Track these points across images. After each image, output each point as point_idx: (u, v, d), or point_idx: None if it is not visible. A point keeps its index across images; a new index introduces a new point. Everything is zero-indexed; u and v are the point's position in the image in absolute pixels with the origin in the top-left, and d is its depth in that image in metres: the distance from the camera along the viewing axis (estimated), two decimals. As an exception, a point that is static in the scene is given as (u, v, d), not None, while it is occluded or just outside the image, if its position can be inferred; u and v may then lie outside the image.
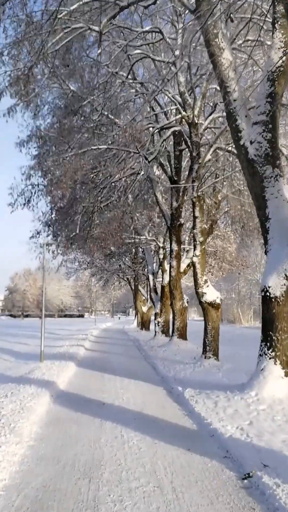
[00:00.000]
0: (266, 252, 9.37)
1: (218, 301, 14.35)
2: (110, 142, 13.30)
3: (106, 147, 13.15)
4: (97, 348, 21.51)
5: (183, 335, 20.00)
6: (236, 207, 18.48)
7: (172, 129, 14.53)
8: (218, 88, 15.49)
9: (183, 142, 15.80)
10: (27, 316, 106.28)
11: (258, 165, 9.44)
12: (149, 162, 13.18)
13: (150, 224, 24.76)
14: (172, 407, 8.03)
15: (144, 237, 24.72)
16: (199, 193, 14.45)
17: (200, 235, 14.44)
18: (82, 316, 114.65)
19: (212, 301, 14.27)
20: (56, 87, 18.62)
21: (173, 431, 6.45)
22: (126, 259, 37.77)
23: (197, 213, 14.46)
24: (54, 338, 28.75)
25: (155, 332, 25.08)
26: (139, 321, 42.57)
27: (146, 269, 35.44)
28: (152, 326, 36.10)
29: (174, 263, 19.88)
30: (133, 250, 33.61)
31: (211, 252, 28.27)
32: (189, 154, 21.08)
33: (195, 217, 14.50)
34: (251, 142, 9.58)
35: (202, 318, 18.86)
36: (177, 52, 14.42)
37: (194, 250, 14.57)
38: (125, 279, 47.42)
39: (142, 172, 13.07)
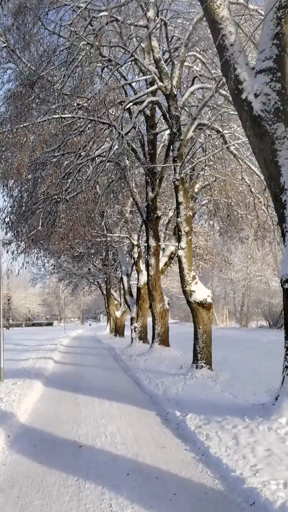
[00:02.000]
0: (283, 234, 7.30)
1: (209, 300, 12.25)
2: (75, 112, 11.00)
3: (71, 115, 10.83)
4: (68, 360, 19.07)
5: (165, 341, 17.83)
6: (221, 194, 16.49)
7: (148, 100, 12.35)
8: (197, 55, 13.61)
9: (162, 117, 13.64)
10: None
11: (266, 122, 7.39)
12: (122, 137, 10.97)
13: (122, 220, 22.52)
14: (176, 447, 5.79)
15: (116, 234, 22.44)
16: (182, 175, 12.35)
17: (185, 224, 12.33)
18: (51, 324, 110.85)
19: (203, 301, 12.17)
20: (10, 68, 16.24)
21: (190, 497, 4.23)
22: (96, 261, 35.40)
23: (180, 198, 12.34)
24: (19, 350, 26.04)
25: (132, 338, 22.83)
26: (112, 327, 40.16)
27: (119, 271, 33.20)
28: (127, 332, 33.82)
29: (152, 260, 17.72)
30: (104, 251, 31.29)
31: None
32: (165, 137, 19.19)
33: (178, 203, 12.38)
34: (256, 95, 7.52)
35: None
36: (150, 13, 12.34)
37: (179, 242, 12.43)
38: (96, 283, 45.00)
39: (116, 147, 10.84)
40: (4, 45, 15.69)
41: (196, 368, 12.12)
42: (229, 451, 5.09)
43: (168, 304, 18.41)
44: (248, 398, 8.64)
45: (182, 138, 12.47)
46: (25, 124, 10.16)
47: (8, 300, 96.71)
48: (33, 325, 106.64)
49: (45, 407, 8.84)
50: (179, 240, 12.45)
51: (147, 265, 17.99)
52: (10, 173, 11.92)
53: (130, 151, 17.73)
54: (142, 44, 13.29)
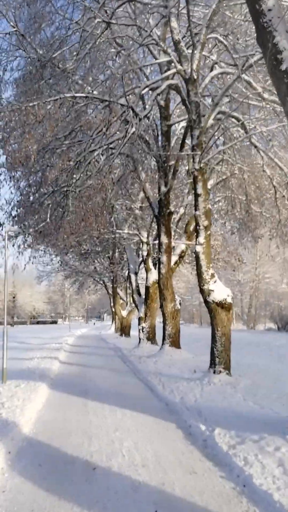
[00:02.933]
0: None
1: (229, 300, 11.35)
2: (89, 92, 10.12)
3: (84, 95, 9.96)
4: (74, 360, 18.22)
5: (175, 343, 16.95)
6: (238, 190, 15.59)
7: (166, 83, 11.44)
8: (219, 38, 12.69)
9: (176, 107, 12.73)
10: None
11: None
12: (140, 120, 10.10)
13: (131, 217, 21.66)
14: (209, 473, 4.84)
15: (125, 231, 21.57)
16: (201, 165, 11.46)
17: (204, 217, 11.43)
18: (55, 322, 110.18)
19: (222, 301, 11.28)
20: (20, 55, 15.38)
21: None
22: (103, 259, 34.58)
23: (199, 190, 11.45)
24: (24, 348, 25.24)
25: (139, 339, 21.95)
26: (117, 327, 39.31)
27: (125, 270, 32.35)
28: (133, 332, 32.98)
29: (164, 258, 16.84)
30: (111, 248, 30.45)
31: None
32: (179, 129, 18.31)
33: (197, 195, 11.48)
34: (298, 67, 6.63)
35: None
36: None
37: (197, 237, 11.53)
38: (101, 282, 44.21)
39: (133, 129, 9.95)
40: (14, 29, 14.89)
41: (214, 373, 11.25)
42: (278, 483, 4.18)
43: (180, 304, 17.53)
44: (277, 409, 7.76)
45: (202, 125, 11.58)
46: (34, 103, 9.29)
47: (14, 297, 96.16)
48: (38, 323, 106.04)
49: (51, 415, 7.98)
50: (197, 235, 11.55)
51: (159, 262, 17.11)
52: (17, 158, 11.02)
53: (143, 143, 16.89)
54: (156, 27, 12.37)
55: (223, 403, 8.67)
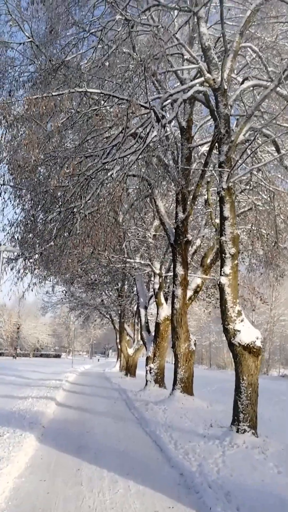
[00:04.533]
0: None
1: (258, 343, 9.52)
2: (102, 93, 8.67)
3: (99, 91, 8.55)
4: (73, 403, 16.24)
5: (188, 389, 14.98)
6: (267, 218, 13.99)
7: (194, 89, 10.02)
8: (254, 48, 11.41)
9: (210, 113, 11.27)
10: (0, 354, 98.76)
11: None
12: (163, 127, 8.65)
13: (144, 245, 20.08)
14: None
15: (137, 260, 19.94)
16: (229, 184, 9.91)
17: (231, 244, 9.77)
18: (59, 356, 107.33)
19: (250, 344, 9.46)
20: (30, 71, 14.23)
21: None
22: (111, 291, 32.86)
23: (226, 212, 9.85)
24: (20, 384, 23.27)
25: (146, 381, 19.95)
26: (122, 365, 37.11)
27: (135, 303, 30.53)
28: (139, 372, 30.84)
29: (179, 291, 15.12)
30: (120, 280, 28.80)
31: (212, 284, 23.63)
32: (202, 151, 16.92)
33: (223, 218, 9.87)
34: None
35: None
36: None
37: (222, 267, 9.84)
38: (108, 316, 42.31)
39: (154, 133, 8.48)
40: (29, 40, 13.84)
41: (237, 432, 9.32)
42: None
43: (195, 344, 15.65)
44: None
45: (232, 139, 10.10)
46: (41, 95, 7.86)
47: (18, 328, 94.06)
48: (41, 355, 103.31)
49: (32, 486, 6.11)
50: (222, 264, 9.86)
51: (173, 296, 15.38)
52: (21, 168, 9.56)
53: (160, 165, 15.50)
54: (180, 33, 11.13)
55: (254, 476, 6.78)
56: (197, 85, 9.83)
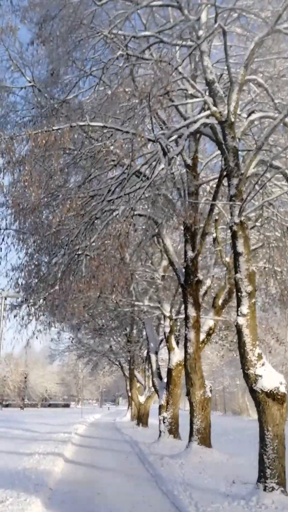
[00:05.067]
0: None
1: (282, 389, 8.68)
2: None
3: (101, 124, 8.17)
4: (83, 459, 15.13)
5: (205, 440, 13.92)
6: (280, 255, 13.40)
7: (201, 121, 9.68)
8: (259, 81, 11.19)
9: (218, 147, 10.89)
10: (7, 405, 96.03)
11: None
12: (170, 160, 8.24)
13: (153, 287, 19.43)
14: None
15: (146, 303, 19.24)
16: (241, 218, 9.39)
17: (247, 281, 9.13)
18: (68, 406, 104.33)
19: (273, 390, 8.63)
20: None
21: None
22: (119, 337, 31.88)
23: (240, 248, 9.28)
24: (27, 438, 22.09)
25: (160, 431, 18.78)
26: (133, 414, 35.64)
27: (144, 349, 29.53)
28: (151, 420, 29.44)
29: (191, 335, 14.35)
30: (129, 324, 27.93)
31: (224, 326, 22.80)
32: (208, 189, 16.58)
33: (237, 254, 9.29)
34: None
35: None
36: (201, 33, 10.11)
37: (238, 307, 9.17)
38: (117, 362, 41.07)
39: (162, 166, 8.05)
40: (30, 84, 13.84)
41: (264, 490, 8.36)
42: None
43: (211, 391, 14.68)
44: None
45: (242, 173, 9.67)
46: (41, 130, 7.49)
47: (25, 377, 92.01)
48: (49, 405, 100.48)
49: None
50: (238, 303, 9.20)
51: (185, 340, 14.59)
52: (22, 209, 9.14)
53: (167, 203, 15.12)
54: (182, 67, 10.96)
55: None
56: (204, 118, 9.48)
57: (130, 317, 25.83)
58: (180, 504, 8.38)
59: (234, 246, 9.42)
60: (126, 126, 8.11)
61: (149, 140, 8.39)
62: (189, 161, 15.11)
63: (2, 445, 17.61)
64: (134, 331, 29.71)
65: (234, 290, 18.25)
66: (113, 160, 10.29)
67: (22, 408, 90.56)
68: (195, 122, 9.86)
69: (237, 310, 9.15)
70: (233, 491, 9.35)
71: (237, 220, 9.31)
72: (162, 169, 8.22)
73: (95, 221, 11.19)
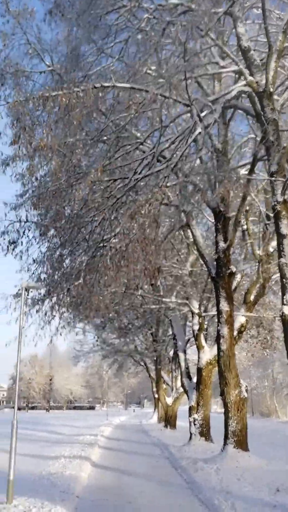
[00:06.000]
0: None
1: None
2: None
3: (129, 85, 7.31)
4: (110, 463, 14.30)
5: (242, 443, 12.92)
6: None
7: (237, 89, 8.74)
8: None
9: (257, 118, 9.90)
10: (33, 408, 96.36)
11: None
12: (206, 126, 7.34)
13: (180, 283, 18.51)
14: None
15: (173, 300, 18.32)
16: (285, 197, 8.43)
17: (294, 266, 8.16)
18: (93, 408, 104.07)
19: None
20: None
21: None
22: (145, 336, 31.03)
23: (285, 230, 8.30)
24: (52, 441, 21.44)
25: (191, 433, 17.84)
26: (161, 416, 34.68)
27: (170, 348, 28.62)
28: (179, 423, 28.44)
29: (225, 330, 13.38)
30: (155, 323, 27.04)
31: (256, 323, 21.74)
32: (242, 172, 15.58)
33: (281, 237, 8.32)
34: None
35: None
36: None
37: (283, 295, 8.19)
38: (142, 363, 40.21)
39: (199, 130, 7.15)
40: (49, 68, 13.13)
41: None
42: None
43: (246, 390, 13.68)
44: None
45: (284, 146, 8.71)
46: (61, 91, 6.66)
47: (50, 380, 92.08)
48: (75, 408, 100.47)
49: None
50: (283, 291, 8.23)
51: (218, 336, 13.63)
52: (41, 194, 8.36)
53: (195, 191, 14.22)
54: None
55: None
56: (240, 86, 8.55)
57: (155, 315, 24.97)
58: (222, 516, 7.45)
59: (277, 227, 8.46)
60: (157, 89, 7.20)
61: (184, 104, 7.50)
62: (219, 146, 14.16)
63: (27, 448, 16.94)
64: (160, 330, 28.82)
65: (267, 284, 17.50)
66: (138, 139, 9.48)
67: (48, 411, 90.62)
68: (229, 93, 8.92)
69: (282, 299, 8.17)
70: (279, 500, 8.38)
71: (280, 199, 8.35)
72: (198, 135, 7.28)
73: (120, 209, 10.42)
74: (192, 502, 8.75)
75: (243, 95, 9.76)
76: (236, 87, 8.62)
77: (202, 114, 7.93)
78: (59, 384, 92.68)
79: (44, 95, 6.67)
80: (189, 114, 9.66)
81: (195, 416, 17.81)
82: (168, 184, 9.44)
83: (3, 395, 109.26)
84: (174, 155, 8.80)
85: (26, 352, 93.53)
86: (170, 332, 27.37)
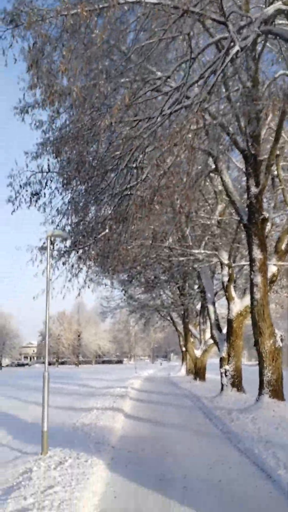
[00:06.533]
0: None
1: None
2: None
3: (156, 0, 6.48)
4: (143, 414, 14.28)
5: (278, 393, 12.62)
6: None
7: (274, 7, 7.77)
8: None
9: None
10: (62, 363, 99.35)
11: None
12: (242, 48, 6.49)
13: (208, 233, 17.89)
14: None
15: (202, 251, 17.73)
16: None
17: None
18: (121, 362, 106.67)
19: None
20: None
21: None
22: (171, 290, 30.80)
23: None
24: (84, 394, 21.72)
25: (222, 384, 17.69)
26: (189, 368, 34.92)
27: (197, 302, 28.36)
28: (208, 375, 28.54)
29: (258, 279, 12.83)
30: (181, 276, 26.65)
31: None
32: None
33: None
34: None
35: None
36: None
37: None
38: (168, 317, 40.29)
39: (237, 48, 6.33)
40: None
41: None
42: None
43: (281, 340, 13.26)
44: None
45: None
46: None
47: (79, 336, 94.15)
48: (103, 362, 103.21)
49: None
50: None
51: (251, 285, 13.11)
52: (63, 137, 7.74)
53: (225, 134, 13.36)
54: None
55: None
56: (279, 3, 7.57)
57: (182, 269, 24.53)
58: (266, 465, 7.15)
59: None
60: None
61: (217, 21, 6.65)
62: (248, 84, 13.11)
63: (60, 401, 17.14)
64: (187, 284, 28.50)
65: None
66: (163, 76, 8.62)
67: (77, 365, 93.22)
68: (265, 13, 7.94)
69: None
70: None
71: None
72: (237, 52, 6.44)
73: (146, 153, 9.75)
74: (231, 451, 8.51)
75: (279, 16, 8.74)
76: (272, 6, 7.63)
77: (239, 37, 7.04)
78: (87, 339, 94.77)
79: (61, 12, 5.91)
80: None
81: (226, 367, 17.60)
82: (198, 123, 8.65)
83: (33, 351, 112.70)
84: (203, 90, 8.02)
85: (54, 310, 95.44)
86: (197, 286, 27.03)
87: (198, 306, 29.81)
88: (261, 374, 12.74)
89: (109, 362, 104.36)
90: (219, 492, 5.95)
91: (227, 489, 6.07)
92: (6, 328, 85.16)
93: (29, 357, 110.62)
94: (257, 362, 13.22)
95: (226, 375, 17.55)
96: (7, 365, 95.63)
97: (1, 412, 15.38)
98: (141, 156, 9.25)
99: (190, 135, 7.23)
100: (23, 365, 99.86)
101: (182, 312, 32.17)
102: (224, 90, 11.93)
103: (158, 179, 9.83)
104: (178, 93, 8.80)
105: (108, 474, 6.85)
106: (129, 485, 6.26)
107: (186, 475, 6.74)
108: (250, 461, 7.69)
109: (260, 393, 12.72)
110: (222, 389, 17.61)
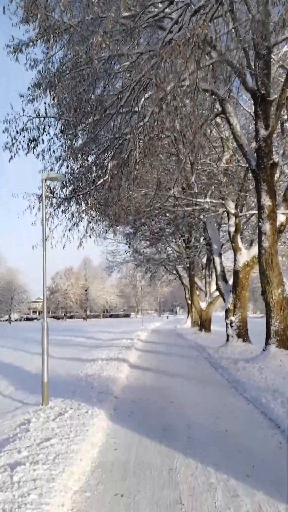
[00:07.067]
0: None
1: None
2: None
3: None
4: (148, 364, 14.16)
5: (285, 343, 12.34)
6: None
7: None
8: None
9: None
10: (71, 317, 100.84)
11: None
12: None
13: (214, 182, 17.18)
14: None
15: (209, 200, 17.09)
16: None
17: None
18: (128, 316, 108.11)
19: None
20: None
21: None
22: (176, 243, 30.36)
23: None
24: (89, 346, 21.76)
25: (228, 335, 17.52)
26: (194, 321, 34.99)
27: (203, 255, 27.96)
28: (213, 327, 28.55)
29: (267, 226, 12.28)
30: (187, 228, 26.13)
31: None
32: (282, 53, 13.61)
33: None
34: None
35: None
36: None
37: None
38: (174, 271, 40.11)
39: None
40: None
41: None
42: None
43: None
44: None
45: None
46: None
47: (86, 290, 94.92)
48: (111, 316, 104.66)
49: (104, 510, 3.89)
50: None
51: (259, 233, 12.57)
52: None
53: (231, 72, 12.44)
54: None
55: None
56: None
57: (188, 221, 23.97)
58: (273, 414, 6.90)
59: None
60: None
61: None
62: (258, 17, 12.07)
63: (66, 352, 17.11)
64: (193, 236, 28.01)
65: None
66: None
67: (85, 319, 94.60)
68: None
69: None
70: None
71: None
72: None
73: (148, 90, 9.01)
74: (238, 400, 8.29)
75: None
76: None
77: None
78: (95, 294, 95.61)
79: None
80: None
81: (232, 318, 17.37)
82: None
83: (42, 306, 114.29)
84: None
85: (61, 266, 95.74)
86: (203, 238, 26.54)
87: (204, 259, 29.47)
88: (268, 323, 12.43)
89: (117, 316, 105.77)
90: (225, 442, 5.70)
91: (234, 439, 5.82)
92: (14, 284, 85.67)
93: (38, 312, 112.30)
94: (262, 315, 12.94)
95: (231, 326, 17.34)
96: (16, 320, 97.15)
97: (7, 363, 15.38)
98: (142, 91, 8.53)
99: (193, 55, 6.48)
100: (32, 319, 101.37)
101: (188, 265, 31.85)
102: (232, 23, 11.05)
103: (160, 122, 9.20)
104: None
105: (110, 425, 6.63)
106: (131, 436, 6.03)
107: (191, 426, 6.50)
108: (258, 410, 7.45)
109: (267, 343, 12.46)
110: (227, 339, 17.46)
